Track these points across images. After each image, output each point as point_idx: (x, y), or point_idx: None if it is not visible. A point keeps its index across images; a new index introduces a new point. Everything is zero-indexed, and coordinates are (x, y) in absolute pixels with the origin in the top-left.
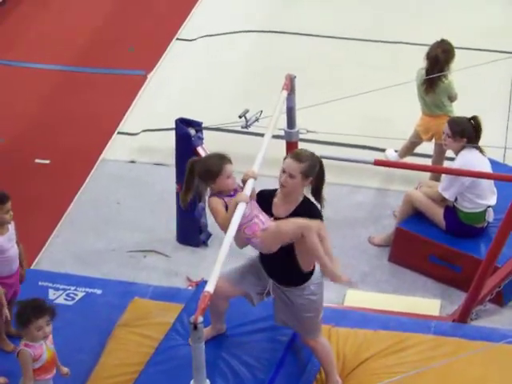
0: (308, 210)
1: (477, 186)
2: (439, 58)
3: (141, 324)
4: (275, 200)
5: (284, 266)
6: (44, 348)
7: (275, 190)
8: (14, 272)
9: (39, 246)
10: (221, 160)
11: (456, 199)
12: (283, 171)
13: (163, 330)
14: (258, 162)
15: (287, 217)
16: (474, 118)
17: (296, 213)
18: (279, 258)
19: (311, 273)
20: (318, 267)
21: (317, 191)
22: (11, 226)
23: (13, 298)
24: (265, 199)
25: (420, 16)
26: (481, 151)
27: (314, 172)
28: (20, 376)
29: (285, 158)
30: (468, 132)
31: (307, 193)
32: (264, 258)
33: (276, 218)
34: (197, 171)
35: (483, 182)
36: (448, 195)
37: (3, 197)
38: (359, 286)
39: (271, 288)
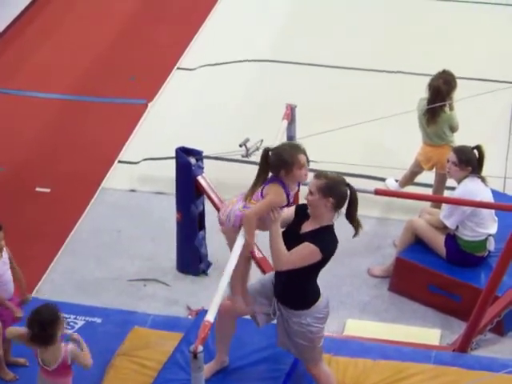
0: (321, 236)
1: (477, 215)
2: (441, 88)
3: (140, 353)
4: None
5: (287, 284)
6: None
7: None
8: (10, 297)
9: (39, 275)
10: (295, 150)
11: (457, 227)
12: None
13: (163, 359)
14: None
15: (305, 233)
16: (478, 147)
17: (311, 233)
18: (286, 275)
19: (313, 303)
20: (324, 301)
21: (349, 216)
22: (4, 253)
23: (12, 323)
24: (301, 214)
25: (421, 46)
26: (483, 181)
27: (335, 193)
28: None
29: None
30: (473, 161)
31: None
32: (276, 274)
33: (296, 233)
34: (271, 160)
35: (484, 211)
36: (449, 223)
37: None
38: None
39: (276, 307)
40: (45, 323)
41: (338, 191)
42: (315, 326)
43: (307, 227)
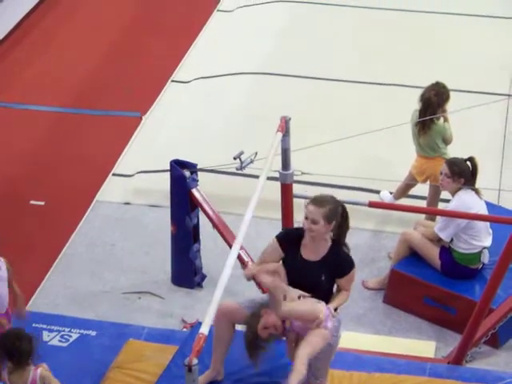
0: (337, 255)
1: (472, 228)
2: (432, 100)
3: (135, 366)
4: (304, 242)
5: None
6: None
7: (301, 230)
8: (3, 312)
9: (34, 288)
10: None
11: (451, 240)
12: (306, 217)
13: (158, 372)
14: (253, 204)
15: (318, 261)
16: (471, 158)
17: (327, 258)
18: (324, 295)
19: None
20: (338, 311)
21: (339, 236)
22: (3, 264)
23: None
24: (293, 241)
25: (416, 58)
26: (477, 193)
27: (337, 215)
28: None
29: (306, 205)
30: (466, 173)
31: None
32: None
33: (306, 261)
34: None
35: (479, 224)
36: (444, 236)
37: None
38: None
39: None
40: (25, 338)
41: (338, 212)
42: (336, 335)
43: (313, 255)
